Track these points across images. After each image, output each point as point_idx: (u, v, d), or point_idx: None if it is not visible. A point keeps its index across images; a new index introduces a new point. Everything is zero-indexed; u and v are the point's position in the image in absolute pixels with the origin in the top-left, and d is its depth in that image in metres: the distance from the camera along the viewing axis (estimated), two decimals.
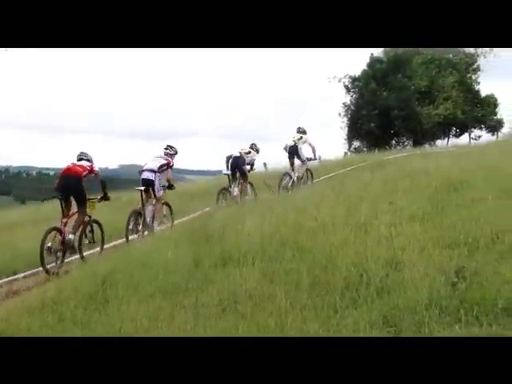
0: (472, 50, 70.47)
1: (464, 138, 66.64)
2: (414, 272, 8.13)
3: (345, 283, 8.19)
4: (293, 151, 23.49)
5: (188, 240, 11.98)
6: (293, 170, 23.40)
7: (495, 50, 69.58)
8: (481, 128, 70.29)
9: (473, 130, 68.22)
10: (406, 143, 65.75)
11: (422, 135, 63.35)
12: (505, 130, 66.01)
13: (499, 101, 71.08)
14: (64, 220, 15.45)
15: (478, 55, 70.62)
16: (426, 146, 54.02)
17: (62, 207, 15.58)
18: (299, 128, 24.11)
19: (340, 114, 68.74)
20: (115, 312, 8.81)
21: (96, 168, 16.10)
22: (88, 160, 16.07)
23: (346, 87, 69.47)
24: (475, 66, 70.85)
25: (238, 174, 21.73)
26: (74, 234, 15.45)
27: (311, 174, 24.68)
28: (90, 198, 16.22)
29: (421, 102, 64.59)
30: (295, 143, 23.43)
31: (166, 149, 18.94)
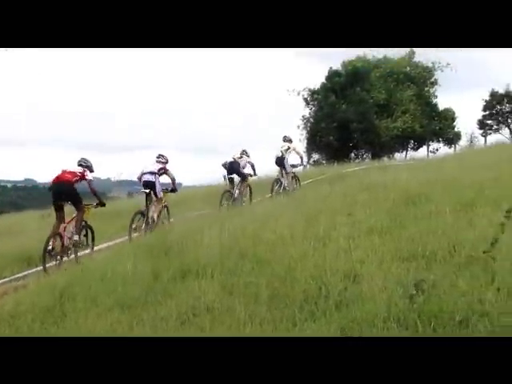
0: (430, 63, 71.40)
1: (422, 151, 67.37)
2: (373, 285, 8.17)
3: (304, 296, 8.21)
4: (280, 162, 24.75)
5: (147, 253, 11.94)
6: (282, 177, 24.75)
7: (452, 64, 70.64)
8: (438, 141, 71.07)
9: (431, 142, 68.90)
10: (364, 156, 66.22)
11: (381, 148, 63.80)
12: (462, 142, 66.94)
13: (457, 114, 72.10)
14: (63, 225, 16.49)
15: (435, 69, 71.51)
16: (385, 158, 54.28)
17: (56, 214, 16.66)
18: (285, 137, 25.66)
19: (299, 127, 69.17)
20: (73, 325, 8.75)
21: (89, 175, 16.89)
22: (88, 166, 17.07)
23: (305, 100, 69.89)
24: (433, 79, 71.69)
25: (235, 178, 23.40)
26: (78, 234, 16.76)
27: (298, 179, 26.13)
28: (86, 204, 17.17)
29: (379, 115, 65.15)
30: (282, 154, 24.69)
31: (157, 157, 20.31)
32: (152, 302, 9.15)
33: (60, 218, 16.56)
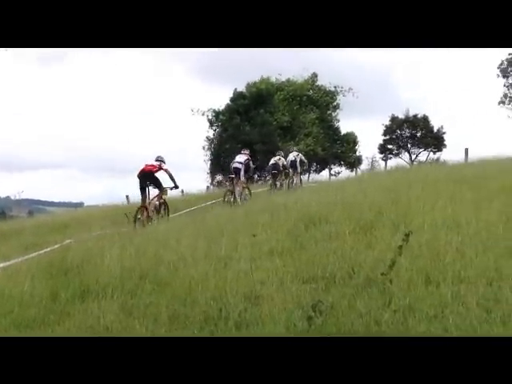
0: (332, 88, 72.63)
1: (324, 174, 68.25)
2: (273, 306, 8.22)
3: (204, 317, 8.19)
4: (293, 165, 34.52)
5: (45, 273, 11.70)
6: (294, 175, 34.54)
7: (354, 88, 72.12)
8: (340, 164, 72.27)
9: (333, 165, 69.90)
10: (268, 178, 66.67)
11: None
12: (363, 166, 68.30)
13: (359, 138, 73.53)
14: (148, 201, 23.08)
15: (337, 93, 72.74)
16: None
17: (141, 194, 23.26)
18: (292, 148, 38.97)
19: (204, 148, 69.32)
20: None
21: (164, 166, 23.70)
22: (162, 160, 23.85)
23: (210, 121, 70.09)
24: (335, 103, 72.88)
25: (277, 173, 33.51)
26: (157, 210, 23.29)
27: (301, 180, 36.25)
28: (164, 187, 23.70)
29: (282, 138, 65.75)
30: (295, 158, 34.73)
31: (242, 151, 30.11)
32: (49, 323, 8.98)
33: (144, 197, 23.16)
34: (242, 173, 28.36)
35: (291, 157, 34.93)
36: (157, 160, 24.02)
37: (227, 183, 30.00)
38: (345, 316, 7.54)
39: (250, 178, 31.75)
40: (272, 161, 33.97)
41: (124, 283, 10.10)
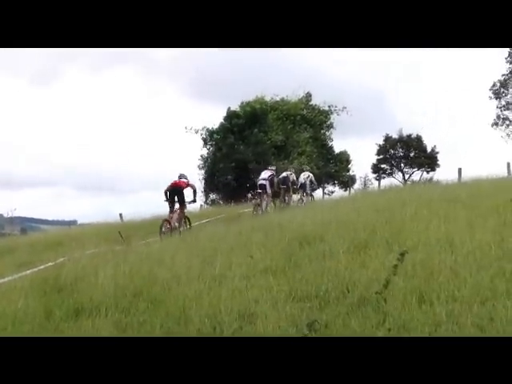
0: (326, 107, 72.68)
1: (318, 193, 68.14)
2: (267, 324, 8.21)
3: (197, 335, 8.18)
4: (302, 186, 35.01)
5: (39, 290, 11.66)
6: (304, 196, 34.89)
7: (348, 107, 72.17)
8: (334, 183, 72.14)
9: (326, 184, 69.82)
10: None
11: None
12: (357, 185, 68.32)
13: (352, 157, 73.51)
14: (171, 215, 25.19)
15: (331, 112, 72.75)
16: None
17: (169, 207, 25.49)
18: (305, 167, 40.90)
19: (198, 166, 69.22)
20: None
21: (192, 182, 26.81)
22: (186, 177, 26.32)
23: (204, 140, 69.93)
24: (329, 122, 72.87)
25: (286, 188, 34.02)
26: (179, 223, 24.99)
27: (312, 197, 37.45)
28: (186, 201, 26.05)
29: (276, 157, 65.60)
30: (305, 181, 35.36)
31: (269, 168, 33.55)
32: None
33: (171, 210, 25.32)
34: (268, 187, 31.19)
35: (301, 179, 35.79)
36: (181, 177, 26.33)
37: (255, 197, 31.94)
38: (339, 334, 7.53)
39: (275, 193, 33.08)
40: (284, 174, 35.09)
41: (118, 301, 10.07)
